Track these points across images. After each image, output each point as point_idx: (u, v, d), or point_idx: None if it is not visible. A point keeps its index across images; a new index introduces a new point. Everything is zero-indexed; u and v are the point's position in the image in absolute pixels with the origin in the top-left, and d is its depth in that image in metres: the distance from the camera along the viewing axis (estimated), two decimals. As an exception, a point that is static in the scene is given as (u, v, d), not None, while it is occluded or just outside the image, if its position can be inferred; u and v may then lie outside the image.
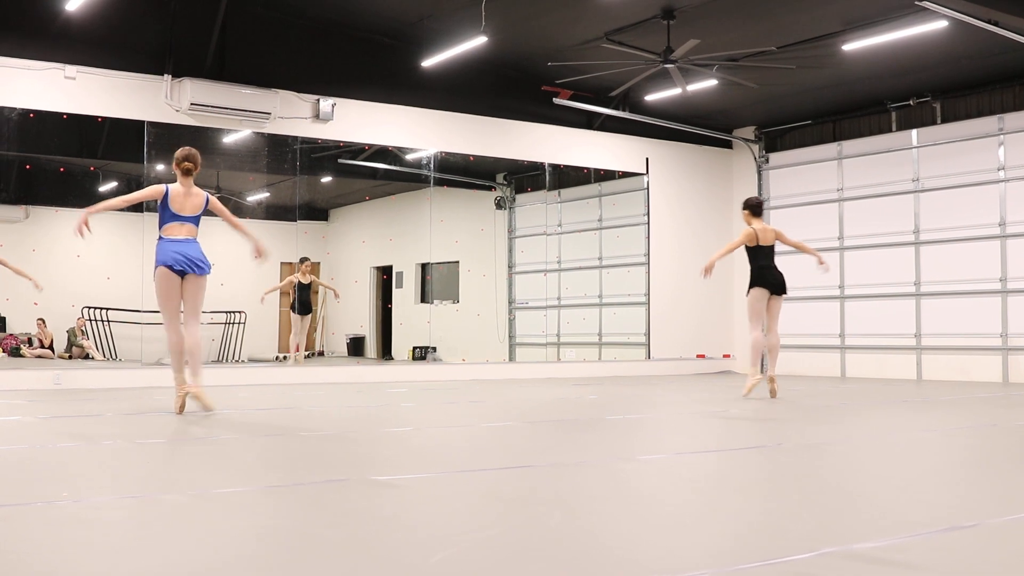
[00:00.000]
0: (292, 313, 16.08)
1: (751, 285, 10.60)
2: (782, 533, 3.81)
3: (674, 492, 4.83)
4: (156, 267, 8.18)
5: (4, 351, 16.21)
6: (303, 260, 15.96)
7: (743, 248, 10.95)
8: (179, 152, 8.41)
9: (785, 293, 10.65)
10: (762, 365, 13.03)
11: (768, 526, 3.96)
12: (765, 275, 10.54)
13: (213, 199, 8.52)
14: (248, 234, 8.79)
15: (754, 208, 10.82)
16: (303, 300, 15.98)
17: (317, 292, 16.53)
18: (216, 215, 8.68)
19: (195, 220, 8.37)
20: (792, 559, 3.30)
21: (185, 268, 8.16)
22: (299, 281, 15.99)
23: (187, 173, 8.33)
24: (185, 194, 8.31)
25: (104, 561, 3.30)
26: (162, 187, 8.32)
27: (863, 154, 16.67)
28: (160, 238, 8.28)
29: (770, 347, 10.71)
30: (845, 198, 16.87)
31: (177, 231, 8.26)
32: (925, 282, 15.70)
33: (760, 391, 11.41)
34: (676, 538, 3.76)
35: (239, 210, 17.75)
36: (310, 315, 16.21)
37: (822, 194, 17.19)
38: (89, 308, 16.66)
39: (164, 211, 8.27)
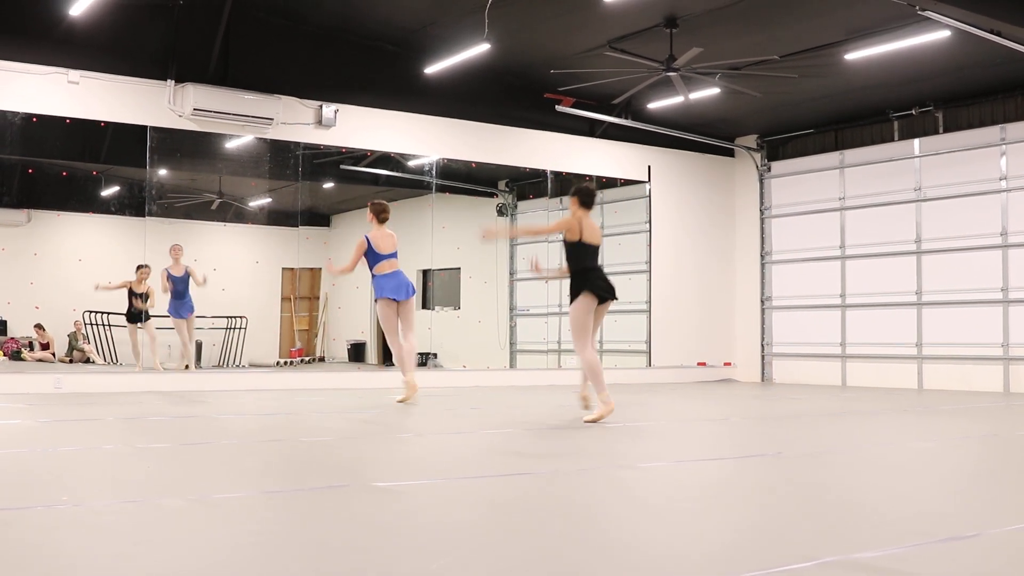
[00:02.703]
0: (129, 324, 14.49)
1: (576, 291, 8.50)
2: (783, 542, 3.80)
3: (674, 500, 4.83)
4: (378, 298, 10.36)
5: (5, 355, 16.22)
6: (140, 267, 14.31)
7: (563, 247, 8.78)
8: (376, 206, 10.45)
9: (615, 299, 8.64)
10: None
11: (768, 535, 3.96)
12: (593, 279, 8.52)
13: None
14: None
15: (584, 197, 8.69)
16: (134, 310, 14.33)
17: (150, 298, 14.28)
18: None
19: (395, 255, 10.39)
20: (793, 568, 3.29)
21: (400, 296, 10.29)
22: (131, 288, 14.35)
23: (383, 221, 10.43)
24: (383, 236, 10.37)
25: (103, 565, 3.30)
26: (363, 240, 10.35)
27: (865, 163, 16.67)
28: (374, 276, 10.38)
29: (594, 367, 8.54)
30: (847, 207, 16.88)
31: (386, 267, 10.33)
32: (927, 291, 15.69)
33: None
34: (676, 546, 3.75)
35: (241, 215, 17.80)
36: (147, 323, 14.31)
37: (824, 203, 17.19)
38: (90, 312, 16.67)
39: (371, 256, 10.33)
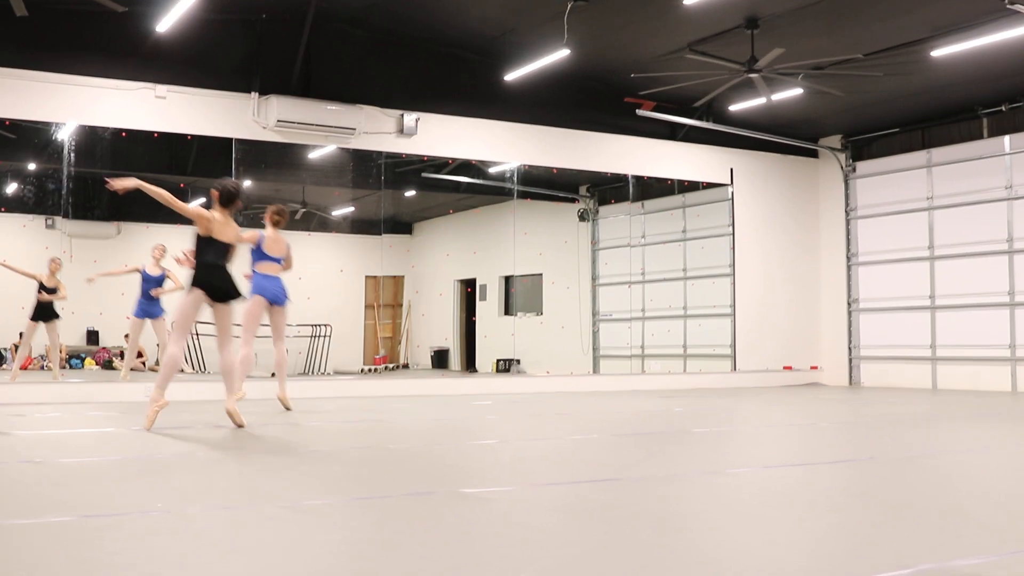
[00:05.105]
0: (29, 321, 13.41)
1: (190, 284, 8.34)
2: (876, 548, 3.73)
3: (764, 507, 4.76)
4: (253, 295, 9.95)
5: (97, 364, 16.60)
6: (52, 259, 13.55)
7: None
8: (275, 208, 10.23)
9: (230, 300, 8.44)
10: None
11: (862, 541, 3.89)
12: (209, 275, 8.31)
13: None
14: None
15: (223, 197, 8.53)
16: (45, 305, 13.42)
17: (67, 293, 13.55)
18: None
19: (280, 261, 10.19)
20: (888, 576, 3.23)
21: (280, 301, 10.12)
22: (42, 283, 13.45)
23: (276, 224, 10.17)
24: (276, 240, 10.14)
25: (195, 572, 3.35)
26: (257, 233, 10.10)
27: (953, 161, 16.34)
28: (254, 272, 10.11)
29: (229, 366, 8.48)
30: (935, 207, 16.55)
31: (268, 268, 10.12)
32: (1019, 291, 15.32)
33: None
34: (768, 554, 3.70)
35: (325, 224, 18.03)
36: (55, 322, 13.52)
37: (911, 203, 16.89)
38: (180, 322, 16.94)
39: (258, 253, 10.10)
